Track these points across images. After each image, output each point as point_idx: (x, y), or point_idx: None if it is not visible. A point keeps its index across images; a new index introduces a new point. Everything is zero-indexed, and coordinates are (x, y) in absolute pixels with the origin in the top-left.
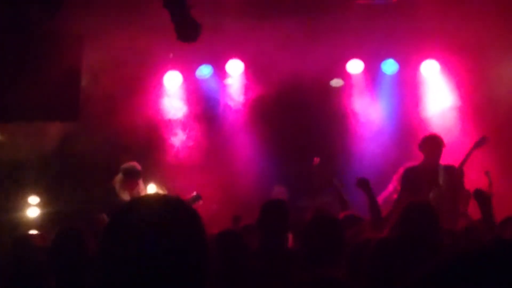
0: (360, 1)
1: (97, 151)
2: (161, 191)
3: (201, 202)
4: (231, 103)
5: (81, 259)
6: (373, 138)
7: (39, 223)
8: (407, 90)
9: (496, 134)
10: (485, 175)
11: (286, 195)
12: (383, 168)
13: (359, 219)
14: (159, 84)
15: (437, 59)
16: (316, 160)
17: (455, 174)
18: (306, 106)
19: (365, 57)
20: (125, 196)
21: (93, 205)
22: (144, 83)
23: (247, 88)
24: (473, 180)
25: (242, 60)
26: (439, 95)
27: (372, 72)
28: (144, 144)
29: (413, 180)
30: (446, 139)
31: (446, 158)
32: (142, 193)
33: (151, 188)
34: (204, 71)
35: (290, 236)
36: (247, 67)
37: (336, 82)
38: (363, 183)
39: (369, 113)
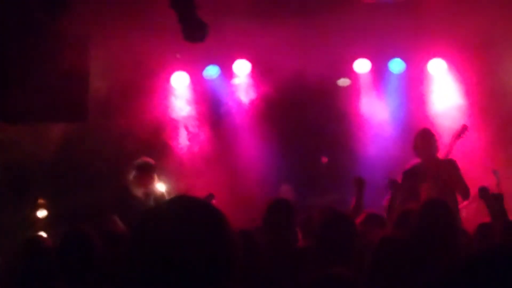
0: (367, 0)
1: (104, 152)
2: (168, 190)
3: (213, 201)
4: (238, 103)
5: (89, 260)
6: (380, 137)
7: (46, 225)
8: (414, 89)
9: (505, 133)
10: (493, 174)
11: (293, 194)
12: (390, 166)
13: (382, 219)
14: (166, 84)
15: (444, 57)
16: (324, 159)
17: (451, 167)
18: (313, 105)
19: (372, 56)
20: (140, 193)
21: (101, 206)
22: (151, 83)
23: (254, 88)
24: (481, 178)
25: (249, 60)
26: (446, 94)
27: (379, 71)
28: (151, 144)
29: (411, 178)
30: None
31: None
32: (156, 189)
33: (160, 187)
34: (211, 71)
35: (299, 235)
36: (254, 67)
37: (343, 82)
38: (360, 183)
39: (377, 112)
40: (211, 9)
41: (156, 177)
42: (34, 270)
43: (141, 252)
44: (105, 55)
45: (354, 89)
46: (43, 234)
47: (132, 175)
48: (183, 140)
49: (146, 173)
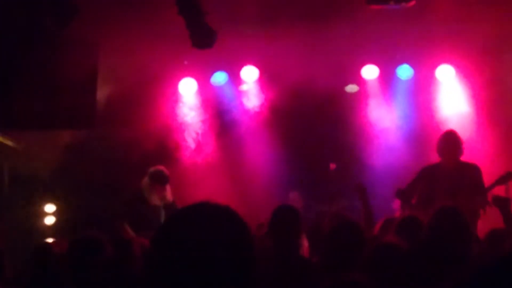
0: (375, 7)
1: (111, 159)
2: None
3: None
4: (246, 110)
5: (99, 266)
6: (388, 143)
7: (55, 231)
8: (422, 95)
9: None
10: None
11: (302, 201)
12: (398, 173)
13: None
14: (174, 91)
15: (452, 63)
16: (332, 165)
17: (476, 172)
18: (321, 111)
19: (380, 63)
20: (155, 201)
21: (109, 213)
22: (159, 90)
23: (262, 94)
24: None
25: (257, 66)
26: (454, 100)
27: (387, 77)
28: (160, 150)
29: (430, 178)
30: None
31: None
32: (169, 197)
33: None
34: (219, 77)
35: (305, 242)
36: (262, 74)
37: (351, 88)
38: (360, 189)
39: (385, 118)
40: (219, 16)
41: (168, 187)
42: (44, 276)
43: (166, 257)
44: (113, 62)
45: (362, 96)
46: (51, 240)
47: (146, 182)
48: (190, 147)
49: (160, 182)
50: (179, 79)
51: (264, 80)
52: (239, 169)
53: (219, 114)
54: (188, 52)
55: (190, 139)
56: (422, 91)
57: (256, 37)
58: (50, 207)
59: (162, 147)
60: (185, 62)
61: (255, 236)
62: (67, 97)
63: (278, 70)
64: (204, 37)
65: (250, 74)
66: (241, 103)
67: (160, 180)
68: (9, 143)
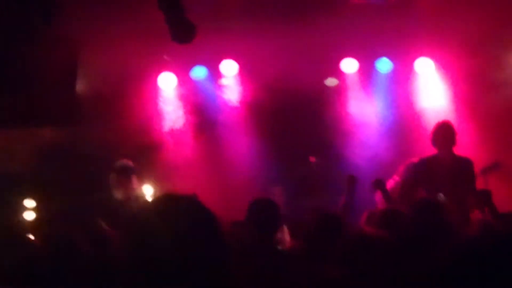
0: (356, 1)
1: (92, 154)
2: (156, 192)
3: None
4: (226, 104)
5: (72, 261)
6: (369, 136)
7: (35, 227)
8: (402, 88)
9: (492, 130)
10: (481, 172)
11: (283, 195)
12: (379, 165)
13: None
14: (154, 86)
15: (432, 56)
16: (312, 159)
17: (470, 167)
18: (301, 105)
19: (360, 56)
20: (119, 195)
21: (89, 208)
22: (139, 85)
23: (242, 89)
24: None
25: (237, 60)
26: (434, 93)
27: (367, 71)
28: (140, 145)
29: (426, 172)
30: None
31: None
32: (137, 191)
33: (147, 189)
34: (199, 72)
35: (287, 237)
36: (241, 68)
37: (331, 82)
38: (352, 181)
39: (365, 111)
40: (198, 10)
41: (136, 179)
42: (23, 271)
43: (131, 252)
44: (92, 58)
45: (342, 89)
46: (31, 236)
47: (112, 177)
48: (171, 141)
49: (124, 176)
50: (159, 74)
51: (244, 75)
52: (220, 164)
53: (199, 109)
54: (168, 47)
55: (170, 134)
56: (402, 84)
57: (235, 32)
58: (30, 203)
59: (143, 142)
60: (165, 57)
61: (229, 233)
62: (47, 94)
63: (258, 65)
64: (184, 32)
65: (229, 68)
66: (221, 98)
67: (123, 172)
68: None
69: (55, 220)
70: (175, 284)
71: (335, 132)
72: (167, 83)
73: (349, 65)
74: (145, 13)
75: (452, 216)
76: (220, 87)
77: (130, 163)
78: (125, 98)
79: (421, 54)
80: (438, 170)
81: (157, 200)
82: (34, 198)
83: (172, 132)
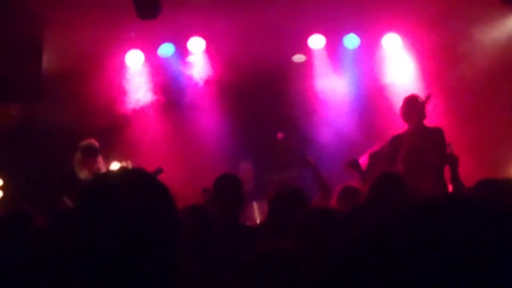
0: None
1: (58, 132)
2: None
3: (162, 175)
4: (193, 81)
5: (28, 238)
6: (337, 112)
7: (3, 205)
8: (370, 64)
9: (459, 105)
10: (448, 147)
11: (253, 170)
12: (347, 141)
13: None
14: (121, 63)
15: (399, 31)
16: (280, 134)
17: (441, 136)
18: (269, 82)
19: (327, 32)
20: (84, 175)
21: (54, 187)
22: (106, 62)
23: (209, 66)
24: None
25: (204, 37)
26: (401, 68)
27: (334, 47)
28: (107, 123)
29: (399, 147)
30: None
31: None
32: (102, 170)
33: (115, 167)
34: (166, 49)
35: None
36: (208, 45)
37: (298, 58)
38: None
39: (333, 87)
40: None
41: (100, 160)
42: None
43: (84, 225)
44: (59, 35)
45: (309, 66)
46: None
47: (77, 157)
48: (139, 118)
49: (89, 156)
50: (126, 51)
51: (211, 51)
52: (188, 141)
53: (166, 86)
54: (135, 24)
55: (137, 112)
56: (369, 60)
57: (201, 9)
58: None
59: (110, 120)
60: (132, 34)
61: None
62: (11, 70)
63: (225, 41)
64: (148, 8)
65: (197, 45)
66: (189, 75)
67: (88, 152)
68: None
69: (20, 197)
70: (121, 261)
71: (303, 107)
72: (134, 60)
73: (317, 41)
74: None
75: (412, 188)
76: (187, 64)
77: (95, 142)
78: (93, 75)
79: (388, 30)
80: (407, 142)
81: (104, 175)
82: (1, 177)
83: (139, 109)
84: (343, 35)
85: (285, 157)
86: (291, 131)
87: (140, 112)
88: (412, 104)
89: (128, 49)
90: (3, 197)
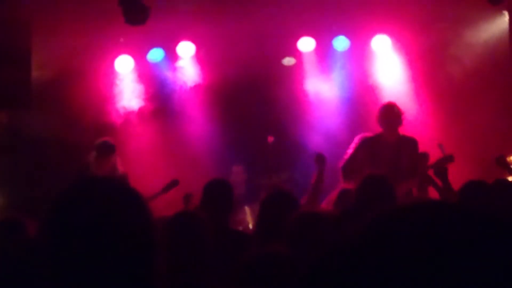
0: None
1: (50, 139)
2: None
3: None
4: (183, 86)
5: (19, 247)
6: (327, 115)
7: None
8: (359, 66)
9: (450, 107)
10: (438, 147)
11: (245, 174)
12: (337, 144)
13: None
14: (111, 69)
15: (388, 33)
16: (270, 138)
17: (414, 148)
18: (259, 85)
19: (316, 35)
20: (103, 172)
21: (47, 195)
22: (95, 68)
23: (199, 70)
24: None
25: (193, 42)
26: (391, 70)
27: (324, 49)
28: (98, 129)
29: (370, 150)
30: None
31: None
32: (119, 168)
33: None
34: (156, 54)
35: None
36: (198, 49)
37: (288, 61)
38: (321, 159)
39: (323, 90)
40: None
41: (116, 157)
42: None
43: (56, 235)
44: (47, 42)
45: (299, 68)
46: None
47: (92, 156)
48: (129, 124)
49: (105, 154)
50: (115, 57)
51: (201, 56)
52: (179, 146)
53: (157, 91)
54: (124, 29)
55: (127, 117)
56: (359, 62)
57: (190, 13)
58: None
59: (100, 126)
60: (121, 40)
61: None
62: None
63: (214, 45)
64: (137, 14)
65: (186, 50)
66: (179, 79)
67: (105, 151)
68: None
69: (15, 206)
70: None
71: (293, 111)
72: (124, 65)
73: (306, 44)
74: None
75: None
76: (177, 68)
77: (110, 140)
78: (83, 82)
79: (378, 32)
80: (380, 148)
81: (77, 183)
82: None
83: (129, 115)
84: (333, 37)
85: (276, 160)
86: (282, 134)
87: (130, 117)
88: (388, 112)
89: (118, 54)
90: None
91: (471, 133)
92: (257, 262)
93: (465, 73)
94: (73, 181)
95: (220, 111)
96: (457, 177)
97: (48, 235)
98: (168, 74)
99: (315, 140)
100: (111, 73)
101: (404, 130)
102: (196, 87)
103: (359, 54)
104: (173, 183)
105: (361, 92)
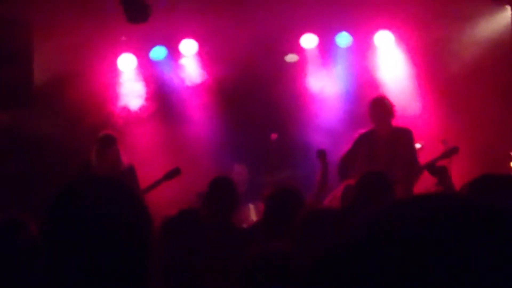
0: None
1: (52, 138)
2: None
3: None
4: (186, 84)
5: (21, 245)
6: (330, 111)
7: None
8: (362, 62)
9: (453, 103)
10: (442, 143)
11: (247, 173)
12: (340, 141)
13: None
14: (113, 68)
15: (391, 29)
16: (273, 136)
17: (409, 138)
18: (262, 82)
19: (319, 31)
20: (106, 165)
21: (47, 194)
22: (97, 67)
23: (202, 68)
24: (430, 148)
25: (196, 39)
26: (394, 66)
27: (327, 45)
28: (100, 128)
29: (368, 145)
30: (402, 109)
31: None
32: (123, 160)
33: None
34: (158, 52)
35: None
36: (201, 47)
37: (290, 58)
38: (322, 155)
39: (326, 86)
40: None
41: (119, 148)
42: None
43: (55, 233)
44: (49, 40)
45: (302, 65)
46: None
47: (94, 150)
48: (131, 123)
49: (107, 146)
50: (117, 55)
51: (204, 53)
52: (182, 144)
53: (160, 89)
54: (126, 28)
55: (130, 116)
56: (362, 58)
57: (192, 11)
58: None
59: (103, 125)
60: (123, 38)
61: (197, 205)
62: (1, 77)
63: (217, 43)
64: (138, 12)
65: (189, 47)
66: (182, 77)
67: (106, 142)
68: None
69: (15, 204)
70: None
71: (296, 108)
72: (127, 64)
73: (309, 41)
74: None
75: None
76: (180, 66)
77: (113, 132)
78: (85, 81)
79: (380, 28)
80: (374, 144)
81: (72, 184)
82: None
83: (131, 114)
84: (335, 33)
85: (280, 158)
86: (285, 132)
87: (133, 117)
88: (378, 106)
89: (120, 53)
90: None
91: (474, 128)
92: (258, 260)
93: (467, 69)
94: (68, 181)
95: (222, 109)
96: (459, 173)
97: (43, 234)
98: (171, 72)
99: (318, 137)
100: (113, 72)
101: (406, 126)
102: (199, 85)
103: (362, 50)
104: (175, 171)
105: (364, 88)
